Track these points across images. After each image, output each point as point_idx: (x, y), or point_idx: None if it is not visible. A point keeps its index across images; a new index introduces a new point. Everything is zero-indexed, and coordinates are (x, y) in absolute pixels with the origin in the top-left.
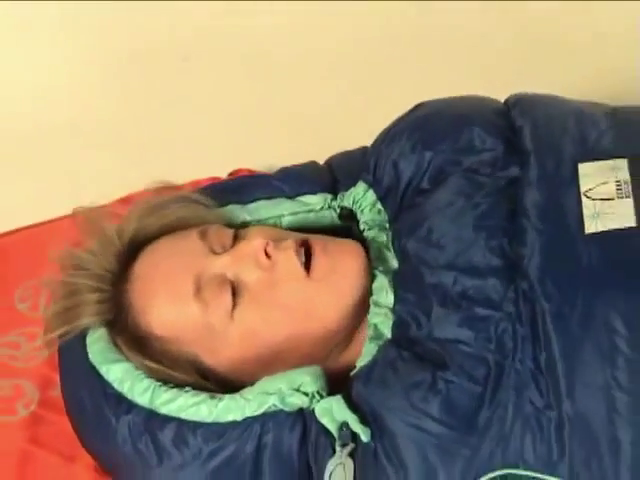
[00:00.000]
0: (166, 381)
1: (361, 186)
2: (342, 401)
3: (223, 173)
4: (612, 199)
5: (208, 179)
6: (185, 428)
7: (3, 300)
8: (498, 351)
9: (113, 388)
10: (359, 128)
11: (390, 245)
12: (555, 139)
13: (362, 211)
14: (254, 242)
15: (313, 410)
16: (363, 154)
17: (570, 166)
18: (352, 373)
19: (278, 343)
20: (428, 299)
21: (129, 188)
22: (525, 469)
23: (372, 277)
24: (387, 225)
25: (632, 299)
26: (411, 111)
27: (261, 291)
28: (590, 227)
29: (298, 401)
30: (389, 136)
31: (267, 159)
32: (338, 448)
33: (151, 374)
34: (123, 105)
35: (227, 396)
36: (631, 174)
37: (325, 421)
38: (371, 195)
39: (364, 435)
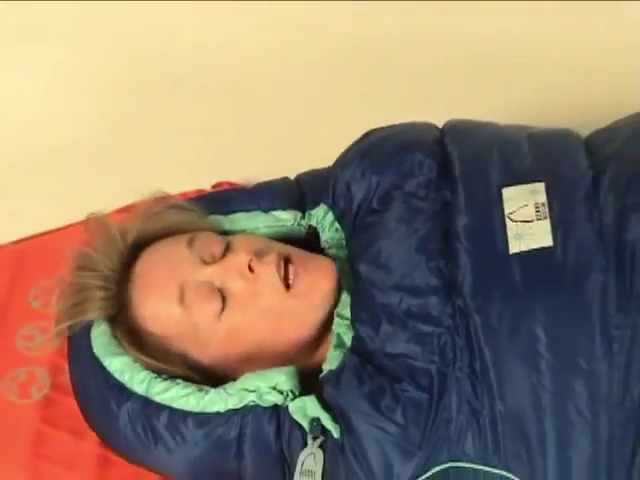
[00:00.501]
0: (160, 373)
1: (322, 207)
2: (316, 401)
3: (207, 185)
4: (532, 221)
5: (194, 191)
6: (176, 416)
7: (19, 298)
8: (441, 361)
9: (115, 378)
10: (325, 146)
11: (349, 264)
12: (481, 165)
13: (323, 230)
14: (240, 257)
15: (287, 407)
16: (327, 173)
17: (495, 191)
18: (321, 376)
19: (257, 343)
20: (378, 317)
21: (125, 199)
22: (467, 462)
23: (339, 292)
24: (344, 243)
25: (551, 310)
26: (361, 138)
27: (245, 299)
28: (514, 247)
29: (274, 398)
30: (343, 162)
31: (245, 173)
32: (310, 440)
33: (147, 367)
34: (117, 127)
35: (213, 390)
36: (547, 197)
37: (297, 417)
38: (330, 216)
39: (335, 432)
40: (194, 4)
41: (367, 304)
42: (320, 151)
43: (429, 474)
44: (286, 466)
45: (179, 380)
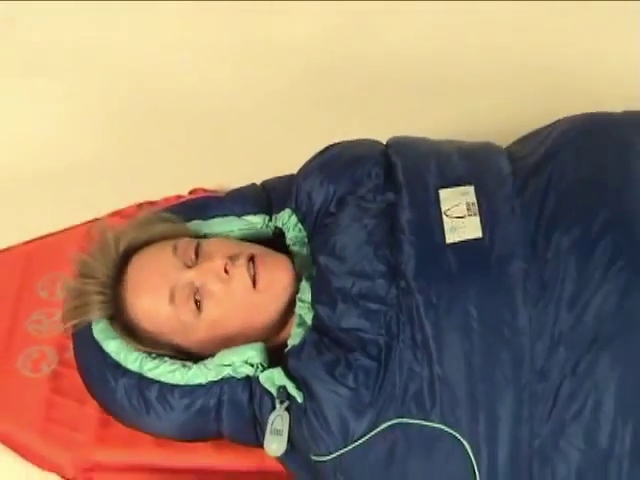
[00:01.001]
0: (150, 353)
1: (287, 212)
2: (282, 371)
3: (185, 190)
4: (464, 217)
5: (175, 196)
6: (165, 389)
7: (29, 289)
8: (387, 334)
9: (112, 358)
10: (288, 156)
11: (310, 257)
12: (421, 172)
13: (288, 230)
14: (217, 262)
15: (258, 377)
16: (289, 180)
17: (433, 192)
18: (286, 350)
19: (232, 330)
20: (334, 298)
21: (119, 204)
22: (410, 418)
23: (299, 281)
24: (306, 241)
25: (481, 291)
26: (320, 152)
27: (221, 296)
28: (450, 238)
29: (246, 370)
30: (305, 173)
31: (216, 180)
32: (277, 404)
33: (138, 350)
34: (112, 145)
35: (194, 366)
36: (477, 197)
37: (267, 385)
38: (294, 219)
39: (298, 397)
40: (174, 47)
41: (325, 288)
42: (283, 162)
43: (379, 429)
44: (258, 427)
45: (166, 358)
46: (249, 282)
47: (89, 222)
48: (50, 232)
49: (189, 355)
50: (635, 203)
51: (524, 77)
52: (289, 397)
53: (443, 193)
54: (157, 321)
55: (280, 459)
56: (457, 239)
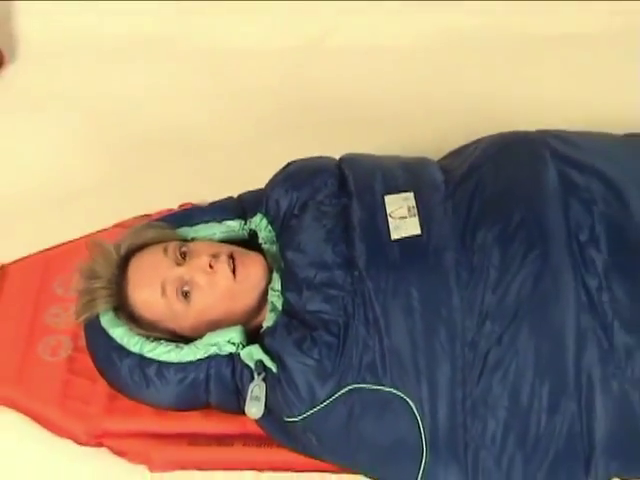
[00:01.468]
0: (148, 337)
1: (259, 216)
2: (259, 348)
3: (175, 205)
4: (406, 217)
5: (167, 209)
6: (162, 366)
7: (47, 288)
8: (345, 315)
9: (116, 342)
10: (256, 175)
11: (279, 253)
12: (369, 182)
13: (260, 231)
14: (203, 259)
15: (239, 354)
16: (259, 191)
17: (380, 198)
18: (262, 331)
19: (217, 316)
20: (300, 287)
21: (120, 217)
22: (365, 384)
23: (270, 273)
24: (275, 239)
25: (420, 277)
26: (284, 167)
27: (207, 287)
28: (394, 235)
29: (229, 348)
30: (272, 184)
31: (200, 196)
32: (256, 375)
33: (138, 334)
34: (115, 171)
35: (186, 346)
36: (416, 201)
37: (247, 360)
38: (264, 221)
39: (274, 368)
40: (162, 91)
41: (293, 279)
42: (252, 180)
43: (339, 393)
44: (240, 396)
45: (162, 341)
46: (230, 275)
47: (97, 232)
48: (64, 241)
49: (181, 337)
50: (544, 205)
51: (451, 106)
52: (265, 369)
53: (388, 199)
54: (154, 310)
55: (259, 422)
56: (400, 236)
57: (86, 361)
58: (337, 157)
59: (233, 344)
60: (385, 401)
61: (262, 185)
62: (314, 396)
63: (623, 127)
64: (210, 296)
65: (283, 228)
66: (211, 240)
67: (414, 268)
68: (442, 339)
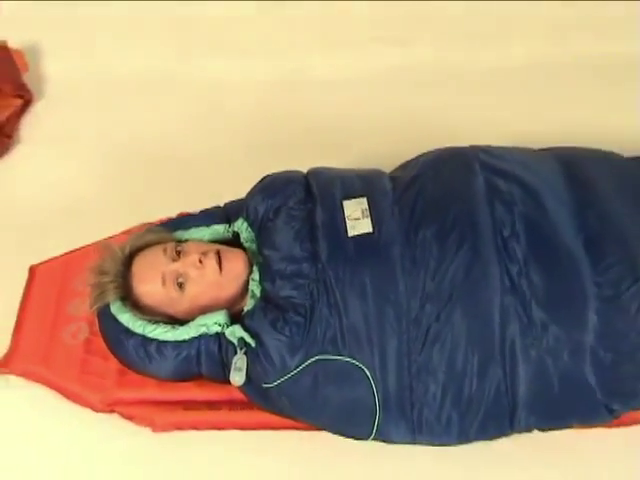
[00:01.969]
0: (150, 320)
1: (241, 220)
2: (241, 327)
3: (174, 214)
4: (360, 218)
5: (167, 218)
6: (161, 345)
7: (68, 285)
8: (310, 299)
9: (123, 325)
10: (242, 186)
11: (257, 250)
12: (330, 189)
13: (242, 232)
14: (194, 256)
15: (224, 333)
16: (240, 201)
17: (339, 203)
18: (243, 313)
19: (206, 302)
20: (274, 277)
21: (127, 225)
22: (328, 354)
23: (251, 267)
24: (254, 239)
25: (372, 268)
26: (261, 180)
27: (198, 279)
28: (351, 233)
29: (216, 328)
30: (251, 194)
31: (194, 207)
32: (238, 350)
33: (141, 319)
34: (122, 187)
35: (180, 327)
36: (369, 205)
37: (231, 338)
38: (245, 225)
39: (253, 344)
40: (155, 121)
41: (268, 270)
42: (235, 191)
43: (306, 363)
44: (226, 368)
45: (161, 323)
46: (217, 269)
47: (109, 238)
48: (81, 246)
49: (177, 320)
50: (474, 207)
51: (404, 128)
52: (246, 345)
53: (345, 203)
54: (154, 298)
55: (242, 389)
56: (356, 233)
57: (100, 343)
58: (305, 170)
59: (219, 325)
60: (344, 369)
61: (243, 195)
62: (285, 366)
63: (539, 142)
64: (200, 286)
65: (261, 229)
66: (201, 241)
67: (367, 260)
68: (391, 318)
